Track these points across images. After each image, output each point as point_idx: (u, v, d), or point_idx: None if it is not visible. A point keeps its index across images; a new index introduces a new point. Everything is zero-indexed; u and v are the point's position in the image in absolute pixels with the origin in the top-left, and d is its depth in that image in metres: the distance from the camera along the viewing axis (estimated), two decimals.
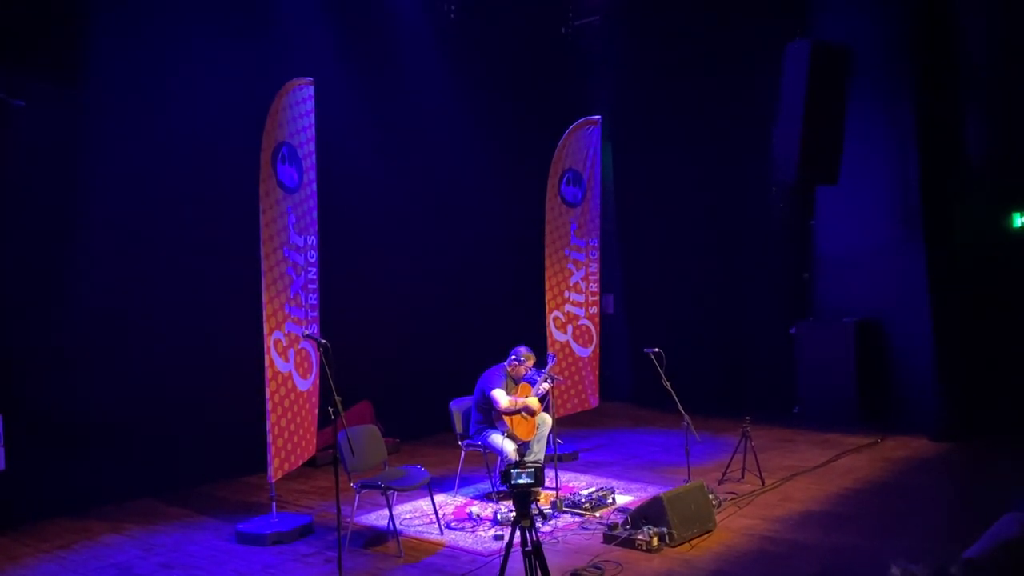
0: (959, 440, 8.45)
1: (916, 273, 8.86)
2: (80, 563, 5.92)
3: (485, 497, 7.12)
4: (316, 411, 6.92)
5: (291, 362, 6.59)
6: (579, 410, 9.00)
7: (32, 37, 6.38)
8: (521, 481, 4.12)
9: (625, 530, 5.84)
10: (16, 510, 6.73)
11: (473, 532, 6.26)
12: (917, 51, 8.86)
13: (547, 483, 6.87)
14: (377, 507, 6.81)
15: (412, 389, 9.44)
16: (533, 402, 7.10)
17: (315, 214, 6.91)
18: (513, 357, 7.17)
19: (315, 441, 7.05)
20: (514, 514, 4.18)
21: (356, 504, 6.34)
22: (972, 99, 8.98)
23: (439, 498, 6.81)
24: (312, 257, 6.89)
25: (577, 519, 6.44)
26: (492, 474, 7.16)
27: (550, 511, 6.57)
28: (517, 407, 6.99)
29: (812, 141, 8.26)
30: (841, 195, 9.34)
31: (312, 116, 6.84)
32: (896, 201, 9.24)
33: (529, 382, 7.22)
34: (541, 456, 7.20)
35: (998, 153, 8.87)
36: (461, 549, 5.92)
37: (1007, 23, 8.62)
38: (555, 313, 8.74)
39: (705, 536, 5.91)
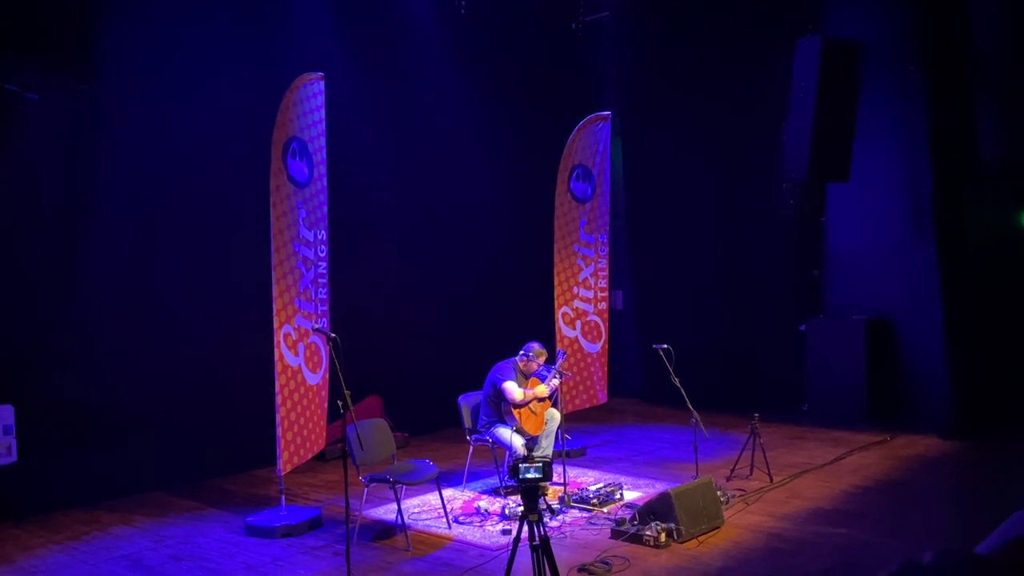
0: (969, 438, 8.42)
1: (927, 271, 8.83)
2: (91, 554, 5.97)
3: (493, 492, 7.14)
4: (326, 405, 6.94)
5: (301, 356, 6.61)
6: (587, 406, 8.99)
7: (46, 31, 6.42)
8: (529, 475, 4.13)
9: (633, 526, 5.84)
10: (28, 501, 6.79)
11: (481, 527, 6.28)
12: (929, 48, 8.81)
13: (555, 478, 6.89)
14: (385, 501, 6.83)
15: (421, 384, 9.46)
16: (542, 389, 7.11)
17: (325, 209, 6.93)
18: (523, 353, 7.17)
19: (324, 435, 7.07)
20: (522, 509, 4.19)
21: (365, 498, 6.37)
22: (985, 97, 8.92)
23: (447, 493, 6.83)
24: (322, 251, 6.91)
25: (585, 514, 6.45)
26: (500, 469, 7.18)
27: (558, 506, 6.58)
28: (528, 399, 7.01)
29: (823, 138, 8.23)
30: (852, 192, 9.30)
31: (323, 111, 6.85)
32: (907, 199, 9.20)
33: (539, 378, 7.23)
34: (549, 451, 7.21)
35: (1010, 152, 8.82)
36: (469, 543, 5.94)
37: (1020, 20, 8.56)
38: (564, 309, 8.73)
39: (713, 532, 5.91)
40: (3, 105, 5.34)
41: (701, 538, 5.80)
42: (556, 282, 8.68)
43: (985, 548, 1.81)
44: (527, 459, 4.26)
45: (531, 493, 4.14)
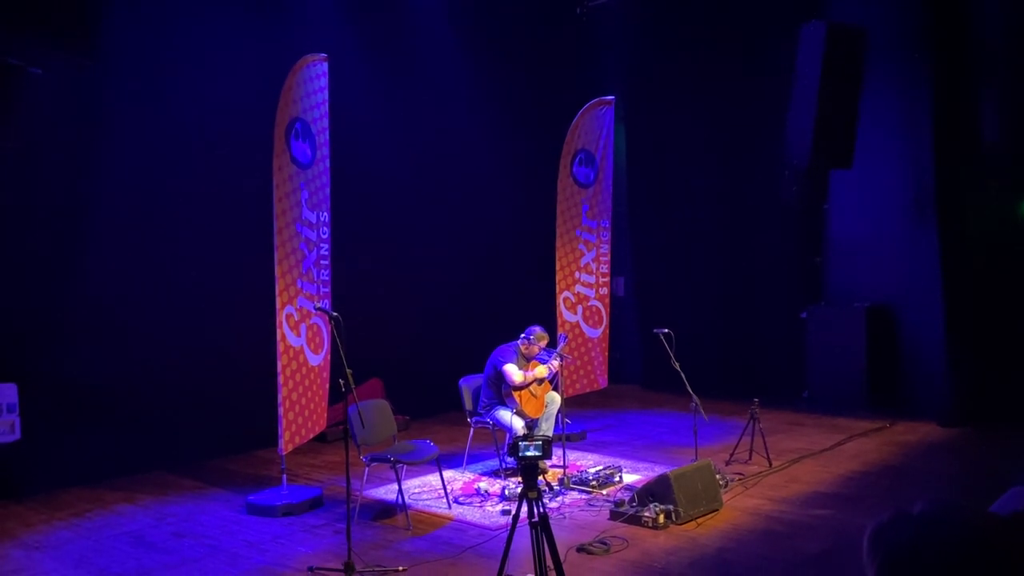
0: (968, 426, 8.44)
1: (928, 259, 8.83)
2: (94, 530, 6.02)
3: (493, 473, 7.18)
4: (327, 386, 6.97)
5: (303, 337, 6.64)
6: (588, 391, 9.03)
7: (49, 5, 6.40)
8: (529, 453, 4.15)
9: (631, 507, 5.88)
10: (31, 479, 6.84)
11: (481, 507, 6.32)
12: (933, 35, 8.78)
13: (555, 461, 6.93)
14: (386, 481, 6.88)
15: (422, 367, 9.49)
16: (542, 370, 7.13)
17: (328, 190, 6.94)
18: (525, 336, 7.19)
19: (326, 415, 7.11)
20: (522, 487, 4.21)
21: (365, 478, 6.41)
22: (988, 85, 8.90)
23: (448, 474, 6.86)
24: (324, 233, 6.93)
25: (584, 496, 6.48)
26: (500, 451, 7.21)
27: (557, 487, 6.62)
28: (528, 381, 7.04)
29: (826, 124, 8.20)
30: (855, 180, 9.28)
31: (326, 92, 6.85)
32: (910, 187, 9.19)
33: (540, 361, 7.25)
34: (549, 434, 7.24)
35: (1013, 140, 8.81)
36: (469, 523, 5.97)
37: (1023, 7, 8.54)
38: (565, 293, 8.75)
39: (711, 515, 5.94)
40: (6, 80, 5.34)
41: (699, 520, 5.84)
42: (558, 267, 8.70)
43: None
44: (527, 437, 4.28)
45: (530, 471, 4.16)
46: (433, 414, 9.55)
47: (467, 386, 7.40)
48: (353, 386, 5.13)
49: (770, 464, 7.19)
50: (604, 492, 6.53)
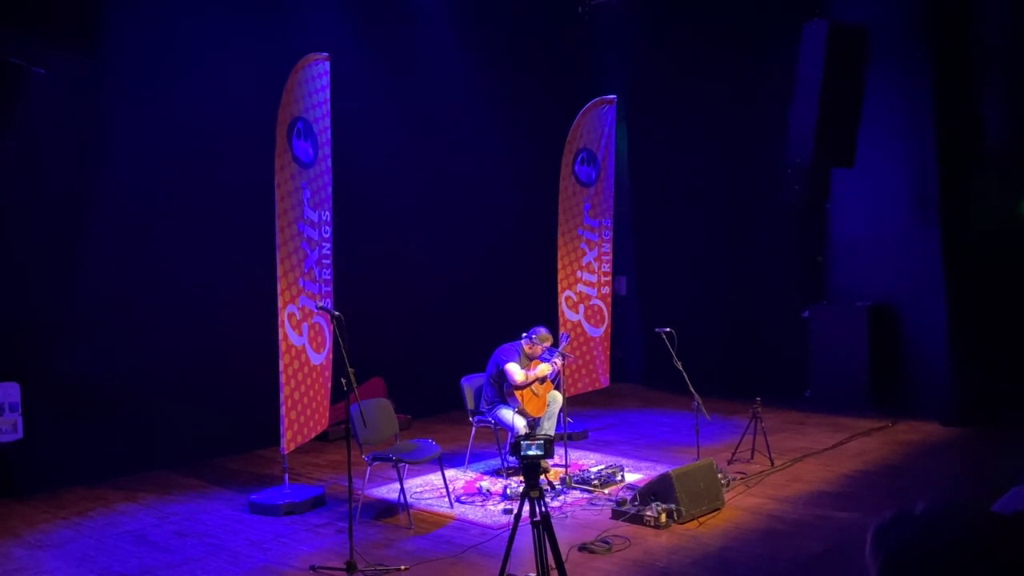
0: (970, 425, 8.42)
1: (931, 258, 8.81)
2: (96, 529, 6.03)
3: (495, 473, 7.17)
4: (329, 385, 6.98)
5: (304, 336, 6.64)
6: (589, 389, 9.03)
7: (51, 5, 6.41)
8: (531, 452, 4.15)
9: (633, 506, 5.88)
10: (33, 478, 6.84)
11: (483, 506, 6.32)
12: (935, 34, 8.77)
13: (557, 460, 6.93)
14: (388, 481, 6.88)
15: (424, 367, 9.48)
16: (543, 368, 7.13)
17: (330, 189, 6.94)
18: (528, 336, 7.18)
19: (328, 415, 7.11)
20: (523, 486, 4.21)
21: (368, 477, 6.41)
22: (991, 84, 8.88)
23: (449, 473, 6.86)
24: (326, 232, 6.93)
25: (586, 495, 6.48)
26: (502, 450, 7.21)
27: (559, 486, 6.62)
28: (530, 380, 7.03)
29: (828, 123, 8.21)
30: (857, 178, 9.28)
31: (328, 91, 6.85)
32: (912, 185, 9.17)
33: (542, 360, 7.25)
34: (551, 433, 7.23)
35: (1016, 138, 8.79)
36: (471, 522, 5.98)
37: None
38: (567, 292, 8.76)
39: (713, 514, 5.94)
40: (9, 79, 5.34)
41: (701, 519, 5.83)
42: (560, 266, 8.71)
43: None
44: (529, 436, 4.27)
45: (532, 470, 4.16)
46: (435, 413, 9.54)
47: (469, 385, 7.40)
48: (355, 385, 5.14)
49: (772, 463, 7.18)
50: (606, 491, 6.53)
